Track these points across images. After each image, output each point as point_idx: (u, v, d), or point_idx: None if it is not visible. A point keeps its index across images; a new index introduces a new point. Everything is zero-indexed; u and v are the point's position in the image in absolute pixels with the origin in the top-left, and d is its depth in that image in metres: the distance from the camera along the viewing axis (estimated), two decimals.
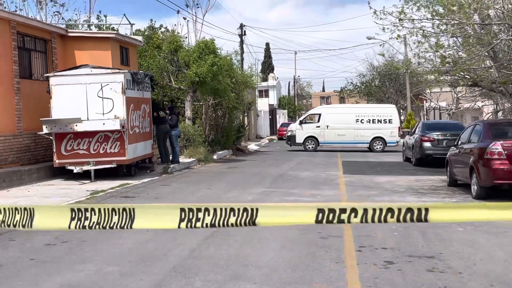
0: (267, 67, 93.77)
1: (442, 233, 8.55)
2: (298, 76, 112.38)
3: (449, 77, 16.41)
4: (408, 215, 3.62)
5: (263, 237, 8.22)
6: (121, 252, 7.29)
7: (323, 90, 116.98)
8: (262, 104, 61.09)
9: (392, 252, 7.31)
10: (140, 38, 22.66)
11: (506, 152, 11.61)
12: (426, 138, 21.02)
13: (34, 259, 6.96)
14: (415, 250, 7.40)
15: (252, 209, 3.84)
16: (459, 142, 14.31)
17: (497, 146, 11.69)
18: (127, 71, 16.78)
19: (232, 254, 7.20)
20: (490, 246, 7.66)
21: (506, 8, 13.31)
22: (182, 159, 20.84)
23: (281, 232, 8.64)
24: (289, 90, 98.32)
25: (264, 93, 74.00)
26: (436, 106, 39.53)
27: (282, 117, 75.17)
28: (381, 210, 3.63)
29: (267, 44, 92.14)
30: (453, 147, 14.85)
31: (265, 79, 79.23)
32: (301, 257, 7.03)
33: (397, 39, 12.45)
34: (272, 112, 69.18)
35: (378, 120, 32.13)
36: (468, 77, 15.86)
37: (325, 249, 7.45)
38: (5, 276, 6.24)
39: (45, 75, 16.77)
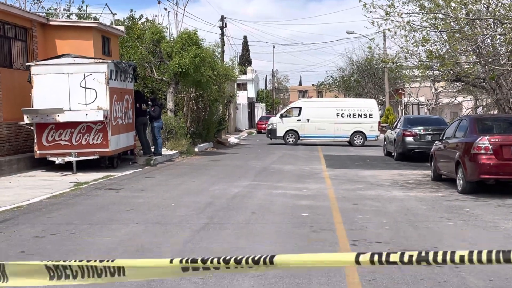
0: (245, 60, 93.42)
1: (433, 227, 8.56)
2: (276, 70, 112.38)
3: (434, 72, 16.46)
4: None
5: (255, 230, 8.13)
6: (113, 245, 7.14)
7: (300, 84, 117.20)
8: (241, 97, 60.89)
9: (386, 246, 7.28)
10: (122, 28, 22.36)
11: (492, 147, 11.67)
12: (409, 133, 21.11)
13: (24, 251, 6.77)
14: (409, 244, 7.38)
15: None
16: (444, 137, 14.36)
17: (484, 141, 11.74)
18: (110, 61, 16.51)
19: (225, 247, 7.09)
20: (483, 241, 7.67)
21: (491, 2, 13.37)
22: (164, 151, 20.65)
23: (273, 226, 8.56)
24: (266, 83, 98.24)
25: (243, 86, 73.73)
26: (415, 101, 39.79)
27: (260, 110, 75.11)
28: None
29: (245, 37, 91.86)
30: (437, 142, 14.91)
31: (243, 72, 79.05)
32: (296, 251, 6.94)
33: (386, 32, 12.43)
34: (251, 105, 69.07)
35: (359, 115, 32.23)
36: (452, 72, 15.92)
37: (319, 243, 7.39)
38: None
39: (26, 64, 16.44)
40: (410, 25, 13.20)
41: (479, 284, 5.72)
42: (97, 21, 21.04)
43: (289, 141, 32.15)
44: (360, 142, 31.97)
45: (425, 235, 7.95)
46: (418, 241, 7.59)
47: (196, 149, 23.97)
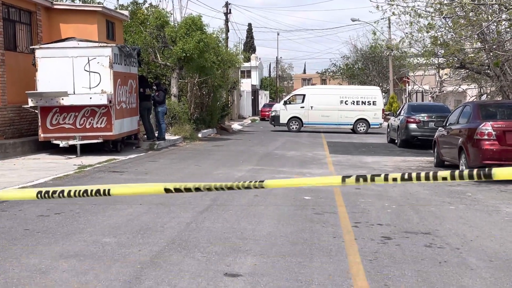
0: (249, 47, 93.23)
1: (435, 211, 8.59)
2: (280, 57, 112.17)
3: (439, 59, 16.44)
4: None
5: (258, 212, 8.18)
6: (116, 224, 7.20)
7: (304, 72, 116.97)
8: (245, 85, 60.85)
9: (388, 228, 7.32)
10: (126, 13, 22.34)
11: (495, 132, 11.68)
12: (412, 120, 21.10)
13: (29, 229, 6.84)
14: (410, 227, 7.42)
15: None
16: (447, 123, 14.37)
17: (487, 127, 11.75)
18: (114, 45, 16.53)
19: (228, 227, 7.15)
20: (484, 224, 7.70)
21: None
22: (167, 136, 20.71)
23: (276, 207, 8.62)
24: (270, 71, 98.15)
25: (247, 73, 73.65)
26: (419, 89, 39.70)
27: (264, 98, 75.12)
28: None
29: (250, 25, 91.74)
30: (441, 128, 14.92)
31: (247, 59, 78.90)
32: (298, 232, 7.00)
33: (390, 17, 12.42)
34: (255, 92, 69.06)
35: (362, 102, 32.22)
36: (456, 59, 15.90)
37: (321, 224, 7.43)
38: (1, 245, 6.13)
39: (30, 47, 16.45)
40: (415, 10, 13.17)
41: (479, 264, 5.76)
42: (102, 6, 21.02)
43: (293, 128, 32.16)
44: (363, 129, 31.97)
45: (426, 218, 7.99)
46: (420, 224, 7.63)
47: (200, 135, 24.01)
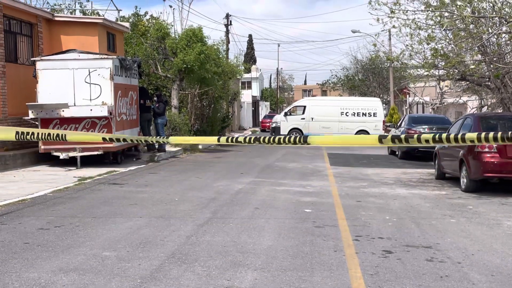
0: (250, 58, 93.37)
1: (436, 224, 8.56)
2: (281, 68, 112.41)
3: (439, 70, 16.46)
4: None
5: (258, 226, 8.15)
6: (116, 238, 7.17)
7: (305, 83, 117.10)
8: (245, 96, 60.90)
9: (389, 242, 7.29)
10: (127, 24, 22.42)
11: (496, 145, 11.66)
12: (413, 132, 21.07)
13: (28, 242, 6.82)
14: (411, 240, 7.39)
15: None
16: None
17: None
18: (115, 57, 16.56)
19: (229, 241, 7.12)
20: (485, 238, 7.67)
21: (496, 1, 13.36)
22: (168, 147, 20.70)
23: (277, 221, 8.59)
24: (271, 82, 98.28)
25: (247, 84, 73.71)
26: (420, 100, 39.72)
27: (264, 109, 75.12)
28: None
29: (250, 36, 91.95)
30: None
31: (247, 70, 79.03)
32: (299, 245, 6.97)
33: (390, 29, 12.48)
34: (255, 104, 69.10)
35: (363, 113, 32.22)
36: (457, 71, 15.91)
37: (322, 238, 7.40)
38: (0, 259, 6.10)
39: (31, 59, 16.49)
40: (415, 23, 13.20)
41: (481, 279, 5.73)
42: (103, 17, 21.08)
43: None
44: None
45: (428, 232, 7.95)
46: (421, 237, 7.60)
47: (200, 146, 23.98)
